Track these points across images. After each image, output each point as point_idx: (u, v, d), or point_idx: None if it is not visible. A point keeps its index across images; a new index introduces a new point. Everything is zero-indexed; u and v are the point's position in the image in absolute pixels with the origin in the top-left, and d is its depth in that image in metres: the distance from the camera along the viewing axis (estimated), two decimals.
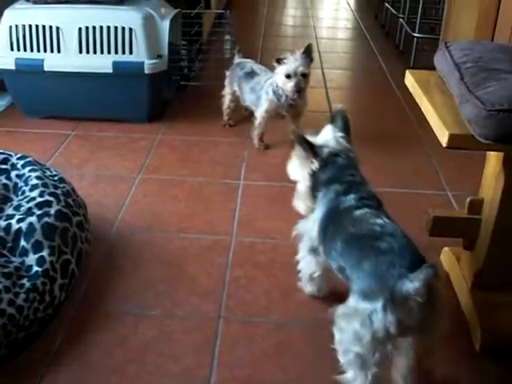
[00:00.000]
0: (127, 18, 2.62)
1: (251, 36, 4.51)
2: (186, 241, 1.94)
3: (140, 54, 2.63)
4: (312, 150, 1.47)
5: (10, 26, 2.62)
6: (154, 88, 2.74)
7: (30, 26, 2.61)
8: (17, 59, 2.64)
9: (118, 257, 1.84)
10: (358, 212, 1.36)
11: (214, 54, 3.63)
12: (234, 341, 1.52)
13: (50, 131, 2.68)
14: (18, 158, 1.89)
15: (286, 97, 2.46)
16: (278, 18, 5.42)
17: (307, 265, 1.61)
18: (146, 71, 2.64)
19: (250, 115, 2.72)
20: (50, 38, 2.62)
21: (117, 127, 2.74)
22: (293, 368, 1.45)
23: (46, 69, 2.63)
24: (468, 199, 1.68)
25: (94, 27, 2.60)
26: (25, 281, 1.49)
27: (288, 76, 2.40)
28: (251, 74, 2.63)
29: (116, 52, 2.62)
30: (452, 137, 1.29)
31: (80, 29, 2.60)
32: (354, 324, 1.20)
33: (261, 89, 2.55)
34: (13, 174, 1.85)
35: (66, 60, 2.63)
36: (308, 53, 2.40)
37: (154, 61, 2.66)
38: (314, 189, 1.51)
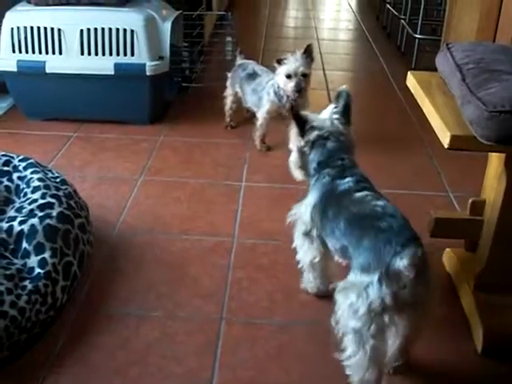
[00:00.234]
0: (129, 19, 2.62)
1: (253, 37, 4.52)
2: (188, 242, 1.94)
3: (142, 56, 2.63)
4: (302, 128, 1.52)
5: (12, 28, 2.63)
6: (156, 90, 2.74)
7: (32, 27, 2.61)
8: (18, 61, 2.65)
9: (120, 258, 1.85)
10: (358, 194, 1.41)
11: (215, 56, 3.63)
12: (236, 342, 1.52)
13: (51, 133, 2.68)
14: (19, 160, 1.89)
15: (287, 97, 2.46)
16: (280, 19, 5.43)
17: (305, 252, 1.61)
18: (147, 73, 2.64)
19: (251, 117, 2.72)
20: (51, 40, 2.62)
21: (119, 129, 2.74)
22: (296, 369, 1.45)
23: (47, 71, 2.64)
24: (470, 200, 1.69)
25: (95, 29, 2.60)
26: (27, 283, 1.49)
27: (288, 76, 2.40)
28: (253, 76, 2.63)
29: (118, 54, 2.63)
30: (454, 138, 1.29)
31: (81, 31, 2.60)
32: (351, 297, 1.25)
33: (262, 90, 2.55)
34: (15, 175, 1.85)
35: (67, 62, 2.63)
36: (308, 53, 2.40)
37: (156, 62, 2.67)
38: (304, 167, 1.57)
